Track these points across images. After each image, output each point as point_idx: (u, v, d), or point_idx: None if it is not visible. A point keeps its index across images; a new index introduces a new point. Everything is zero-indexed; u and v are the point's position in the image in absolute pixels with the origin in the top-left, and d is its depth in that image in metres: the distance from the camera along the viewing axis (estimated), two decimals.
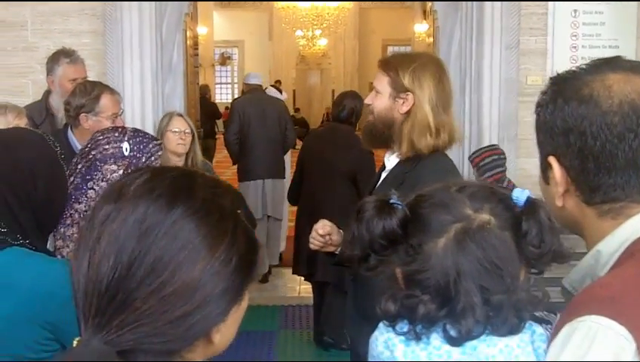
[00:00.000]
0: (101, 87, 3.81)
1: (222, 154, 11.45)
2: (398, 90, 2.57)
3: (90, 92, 3.70)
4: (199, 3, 7.87)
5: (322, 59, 24.52)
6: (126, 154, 2.16)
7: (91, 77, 5.66)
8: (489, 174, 4.91)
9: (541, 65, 6.22)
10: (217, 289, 1.04)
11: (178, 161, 4.29)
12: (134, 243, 1.01)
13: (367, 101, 2.72)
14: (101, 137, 2.20)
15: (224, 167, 12.39)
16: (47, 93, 4.49)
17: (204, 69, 21.78)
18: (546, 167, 1.37)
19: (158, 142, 2.30)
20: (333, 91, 24.56)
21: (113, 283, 1.00)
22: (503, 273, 1.23)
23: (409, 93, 2.55)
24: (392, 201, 1.33)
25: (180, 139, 4.28)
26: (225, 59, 24.72)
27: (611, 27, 6.20)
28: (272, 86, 9.90)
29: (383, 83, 2.62)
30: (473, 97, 6.06)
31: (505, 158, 5.15)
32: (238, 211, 1.12)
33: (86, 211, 2.06)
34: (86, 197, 2.09)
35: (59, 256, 2.08)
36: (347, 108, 5.58)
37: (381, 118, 2.62)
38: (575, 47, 6.23)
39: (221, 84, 25.38)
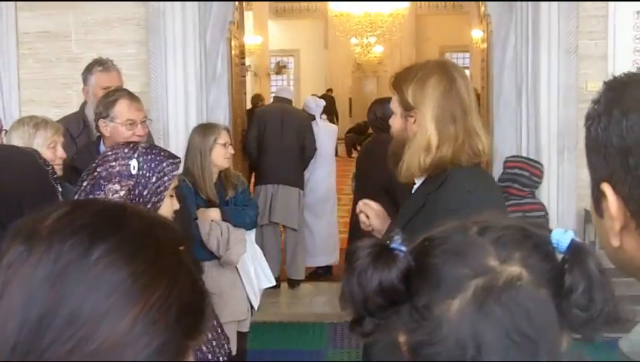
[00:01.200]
0: (122, 92, 3.67)
1: None
2: (406, 108, 2.35)
3: (108, 97, 3.58)
4: (254, 13, 7.80)
5: (378, 67, 24.25)
6: (133, 172, 1.98)
7: (135, 87, 5.58)
8: (501, 185, 4.59)
9: (602, 70, 5.91)
10: (153, 345, 0.82)
11: (214, 174, 4.17)
12: (47, 290, 0.82)
13: (390, 122, 2.52)
14: (110, 153, 2.04)
15: None
16: (84, 104, 4.41)
17: (259, 78, 21.77)
18: (598, 196, 1.08)
19: (176, 160, 2.11)
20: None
21: (22, 340, 0.81)
22: (538, 347, 0.91)
23: (416, 110, 2.32)
24: (392, 246, 1.00)
25: (227, 153, 4.18)
26: (280, 68, 24.67)
27: None
28: (313, 96, 9.82)
29: (395, 103, 2.42)
30: (530, 105, 5.78)
31: (537, 181, 4.58)
32: (180, 248, 0.91)
33: None
34: None
35: None
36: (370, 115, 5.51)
37: (399, 140, 2.42)
38: (638, 50, 5.90)
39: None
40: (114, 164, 1.97)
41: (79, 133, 4.26)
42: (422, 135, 2.29)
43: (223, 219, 4.08)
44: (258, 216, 4.46)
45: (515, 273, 0.92)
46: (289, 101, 7.75)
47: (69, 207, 0.90)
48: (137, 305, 0.81)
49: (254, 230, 4.41)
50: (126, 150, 2.02)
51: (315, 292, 7.12)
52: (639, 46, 5.90)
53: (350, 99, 24.03)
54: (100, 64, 4.33)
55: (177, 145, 5.65)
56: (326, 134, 7.42)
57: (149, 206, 1.97)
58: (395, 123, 2.42)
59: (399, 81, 2.39)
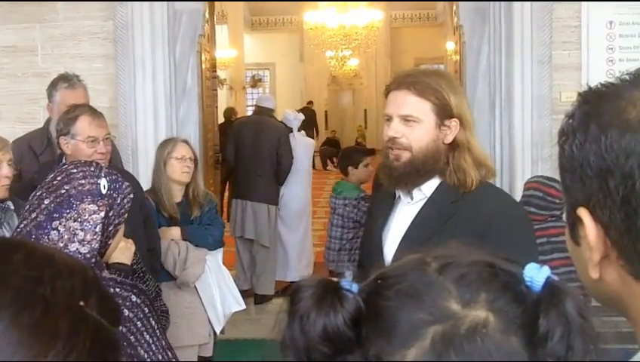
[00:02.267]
0: (83, 109, 3.54)
1: None
2: (444, 116, 2.17)
3: (69, 113, 3.46)
4: (229, 26, 7.70)
5: (354, 80, 24.26)
6: (104, 192, 1.87)
7: (103, 102, 5.48)
8: None
9: (576, 80, 5.88)
10: None
11: (179, 190, 4.03)
12: None
13: (394, 134, 2.23)
14: (75, 170, 1.91)
15: None
16: (49, 120, 4.28)
17: (235, 91, 21.67)
18: (575, 222, 0.95)
19: (128, 184, 2.01)
20: (365, 111, 24.32)
21: None
22: None
23: (454, 119, 2.18)
24: (342, 285, 0.84)
25: (185, 167, 4.01)
26: (256, 82, 24.58)
27: None
28: (296, 110, 9.72)
29: (423, 109, 2.18)
30: (504, 116, 5.73)
31: (554, 201, 4.09)
32: (81, 303, 0.78)
33: None
34: (48, 238, 1.76)
35: None
36: None
37: (427, 151, 2.20)
38: (612, 60, 5.88)
39: (252, 106, 25.19)
40: (83, 182, 1.85)
41: (43, 150, 4.14)
42: (476, 143, 2.20)
43: (183, 238, 3.96)
44: (226, 234, 4.33)
45: (480, 318, 0.77)
46: (270, 111, 7.58)
47: None
48: None
49: (220, 251, 4.24)
50: (92, 168, 1.91)
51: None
52: (612, 56, 5.87)
53: (326, 112, 24.01)
54: (66, 80, 4.20)
55: (147, 160, 5.52)
56: (302, 148, 7.28)
57: (110, 228, 1.86)
58: (424, 132, 2.19)
59: (430, 86, 2.18)
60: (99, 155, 3.35)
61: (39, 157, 4.08)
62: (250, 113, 24.22)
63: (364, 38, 19.58)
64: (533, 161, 5.73)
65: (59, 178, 1.84)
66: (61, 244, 1.73)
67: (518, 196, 5.42)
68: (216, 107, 7.22)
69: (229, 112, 12.63)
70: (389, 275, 0.84)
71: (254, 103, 8.31)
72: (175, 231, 3.97)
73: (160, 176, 4.02)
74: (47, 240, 1.74)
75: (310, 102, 22.14)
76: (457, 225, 2.15)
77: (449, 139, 2.19)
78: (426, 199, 2.27)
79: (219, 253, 4.16)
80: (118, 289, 1.74)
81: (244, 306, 4.40)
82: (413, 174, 2.25)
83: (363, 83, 24.51)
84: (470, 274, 0.81)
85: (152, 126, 5.50)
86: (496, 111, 5.72)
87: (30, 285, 0.75)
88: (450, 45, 18.55)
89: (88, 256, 1.74)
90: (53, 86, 4.22)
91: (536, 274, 0.81)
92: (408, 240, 2.25)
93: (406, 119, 2.20)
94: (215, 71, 6.77)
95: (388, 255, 2.31)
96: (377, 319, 0.80)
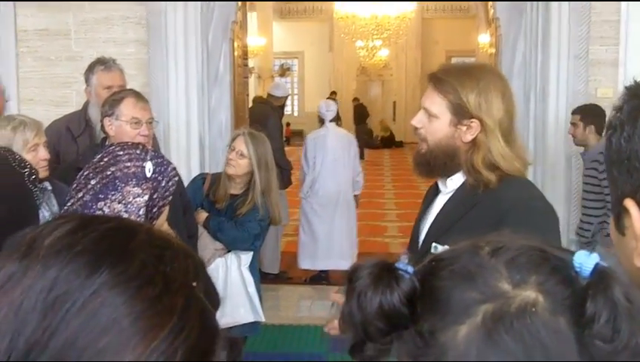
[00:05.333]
0: (128, 92, 3.60)
1: None
2: (462, 116, 2.19)
3: (115, 95, 3.50)
4: (258, 14, 7.70)
5: (383, 71, 24.18)
6: (148, 175, 1.88)
7: (134, 87, 5.44)
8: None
9: (612, 76, 5.80)
10: None
11: (232, 187, 4.02)
12: (38, 319, 0.72)
13: (416, 124, 2.31)
14: (121, 152, 1.92)
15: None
16: (87, 104, 4.33)
17: (262, 80, 21.69)
18: (620, 213, 0.99)
19: (174, 166, 2.02)
20: (394, 103, 24.25)
21: None
22: None
23: (474, 119, 2.18)
24: (398, 266, 0.89)
25: (230, 159, 4.00)
26: (284, 71, 24.59)
27: None
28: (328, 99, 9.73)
29: (440, 106, 2.23)
30: (538, 111, 5.67)
31: None
32: (194, 284, 0.81)
33: None
34: None
35: None
36: None
37: (441, 147, 2.25)
38: None
39: None
40: (129, 164, 1.85)
41: (81, 132, 4.20)
42: (495, 147, 2.18)
43: (204, 226, 3.93)
44: (256, 240, 4.06)
45: (530, 298, 0.80)
46: (277, 99, 7.74)
47: (74, 223, 0.80)
48: (136, 349, 0.72)
49: (249, 255, 4.05)
50: (137, 151, 1.92)
51: (315, 296, 7.04)
52: None
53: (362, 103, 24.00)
54: (102, 63, 4.25)
55: (179, 146, 5.55)
56: (333, 138, 7.25)
57: (154, 210, 1.88)
58: (439, 128, 2.24)
59: (453, 84, 2.21)
60: (142, 138, 3.37)
61: (77, 139, 4.15)
62: None
63: (396, 28, 19.50)
64: (566, 157, 5.66)
65: (105, 159, 1.85)
66: None
67: (551, 192, 5.36)
68: (247, 95, 7.20)
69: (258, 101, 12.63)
70: (443, 257, 0.89)
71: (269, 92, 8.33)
72: (201, 215, 3.96)
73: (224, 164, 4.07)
74: None
75: (333, 93, 22.09)
76: (477, 215, 2.18)
77: (468, 138, 2.21)
78: (456, 188, 2.31)
79: (246, 256, 4.02)
80: None
81: (262, 318, 4.21)
82: (427, 166, 2.33)
83: (392, 74, 24.43)
84: (521, 257, 0.85)
85: (184, 112, 5.51)
86: (531, 105, 5.66)
87: (153, 262, 0.78)
88: (483, 38, 18.42)
89: None
90: (90, 70, 4.27)
91: (585, 260, 0.83)
92: (435, 227, 2.33)
93: (428, 112, 2.27)
94: (247, 59, 6.76)
95: (421, 241, 2.38)
96: (431, 297, 0.85)
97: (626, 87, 1.04)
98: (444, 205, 2.32)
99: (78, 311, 0.72)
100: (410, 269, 0.89)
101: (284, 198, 7.24)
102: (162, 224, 1.99)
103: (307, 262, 7.34)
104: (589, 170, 5.03)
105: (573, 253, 0.86)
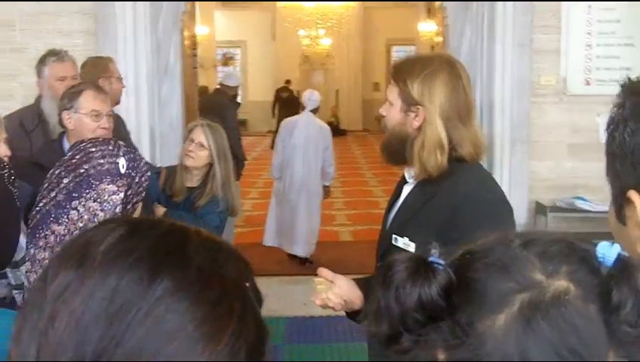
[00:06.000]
0: (87, 85, 3.54)
1: None
2: (409, 102, 2.26)
3: (73, 88, 3.45)
4: (200, 3, 7.63)
5: (326, 59, 24.23)
6: (122, 171, 1.84)
7: None
8: None
9: (555, 63, 5.96)
10: None
11: (193, 175, 3.98)
12: (103, 328, 0.73)
13: (382, 112, 2.39)
14: (93, 149, 1.87)
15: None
16: (39, 97, 4.24)
17: (205, 70, 21.50)
18: (622, 203, 1.07)
19: (146, 160, 2.00)
20: (337, 91, 24.33)
21: None
22: None
23: (419, 106, 2.24)
24: (431, 260, 0.95)
25: (188, 150, 3.94)
26: (227, 60, 24.42)
27: (627, 24, 5.93)
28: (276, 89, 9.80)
29: (393, 94, 2.31)
30: (484, 98, 5.79)
31: None
32: (247, 285, 0.83)
33: (64, 236, 1.73)
34: (67, 218, 1.74)
35: (26, 283, 1.80)
36: None
37: (395, 133, 2.32)
38: (590, 45, 5.96)
39: None
40: (102, 161, 1.81)
41: (34, 127, 4.08)
42: (432, 133, 2.22)
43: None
44: (217, 232, 4.00)
45: (562, 287, 0.87)
46: (231, 88, 7.76)
47: (124, 229, 0.80)
48: (202, 354, 0.74)
49: None
50: (110, 147, 1.88)
51: (270, 287, 7.06)
52: (591, 41, 5.95)
53: (298, 92, 23.97)
54: (54, 54, 4.18)
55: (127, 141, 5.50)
56: (304, 127, 7.41)
57: (128, 207, 1.86)
58: (393, 115, 2.31)
59: (402, 74, 2.29)
60: (102, 130, 3.33)
61: (30, 134, 4.03)
62: None
63: (339, 18, 19.55)
64: (512, 143, 5.81)
65: (77, 157, 1.81)
66: (81, 224, 1.71)
67: (497, 177, 5.49)
68: (197, 85, 7.18)
69: (201, 91, 12.55)
70: (476, 250, 0.93)
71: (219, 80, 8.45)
72: (159, 210, 3.93)
73: (180, 156, 4.01)
74: (66, 220, 1.73)
75: (288, 82, 22.04)
76: (434, 207, 2.22)
77: (415, 125, 2.26)
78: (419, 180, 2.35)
79: None
80: None
81: None
82: (387, 152, 2.40)
83: (335, 63, 24.49)
84: (551, 248, 0.90)
85: (134, 105, 5.46)
86: (477, 93, 5.76)
87: (209, 265, 0.79)
88: (422, 27, 18.59)
89: None
90: (41, 62, 4.19)
91: (607, 251, 0.89)
92: (396, 218, 2.37)
93: (388, 101, 2.35)
94: (196, 49, 6.73)
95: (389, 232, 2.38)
96: (467, 289, 0.90)
97: (621, 85, 1.11)
98: (406, 196, 2.36)
99: (143, 319, 0.73)
100: (442, 262, 0.94)
101: (238, 189, 7.27)
102: None
103: (270, 240, 7.60)
104: None
105: (595, 244, 0.91)
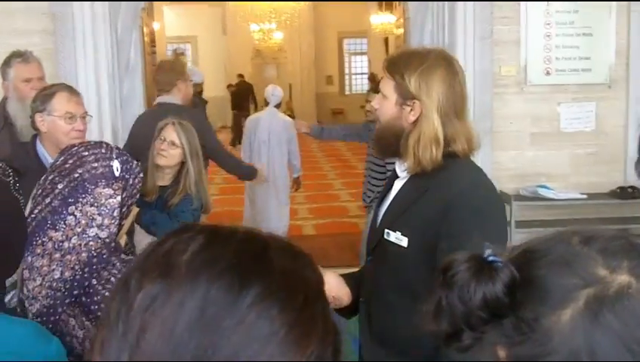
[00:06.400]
0: (60, 86, 3.47)
1: None
2: (405, 96, 2.25)
3: (46, 90, 3.38)
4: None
5: (278, 54, 24.15)
6: (117, 174, 1.81)
7: None
8: None
9: (515, 55, 6.03)
10: None
11: (165, 173, 3.91)
12: (197, 337, 0.73)
13: (374, 105, 2.40)
14: (86, 153, 1.83)
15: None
16: (5, 99, 4.15)
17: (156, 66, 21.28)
18: None
19: (138, 163, 1.97)
20: (290, 85, 24.28)
21: None
22: None
23: (416, 100, 2.23)
24: (490, 259, 0.96)
25: (161, 149, 3.87)
26: (178, 56, 24.11)
27: (585, 15, 6.03)
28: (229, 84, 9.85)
29: (389, 87, 2.30)
30: None
31: None
32: (324, 288, 0.84)
33: (62, 242, 1.70)
34: (64, 224, 1.70)
35: (23, 291, 1.75)
36: None
37: (389, 127, 2.31)
38: (549, 35, 6.04)
39: None
40: (96, 165, 1.78)
41: (0, 129, 4.01)
42: (429, 128, 2.21)
43: (136, 221, 3.84)
44: None
45: (625, 281, 0.89)
46: (197, 85, 7.74)
47: (203, 237, 0.80)
48: (296, 356, 0.75)
49: None
50: (102, 150, 1.84)
51: None
52: (550, 31, 6.03)
53: (250, 86, 23.87)
54: (19, 55, 4.11)
55: (91, 138, 5.39)
56: (269, 122, 7.56)
57: (123, 210, 1.83)
58: (387, 108, 2.30)
59: (398, 67, 2.27)
60: (76, 133, 3.27)
61: None
62: None
63: (291, 12, 19.52)
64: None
65: (70, 161, 1.77)
66: (79, 229, 1.68)
67: None
68: None
69: None
70: (536, 249, 0.96)
71: None
72: (132, 211, 3.86)
73: (150, 155, 3.93)
74: (63, 226, 1.69)
75: (240, 76, 21.91)
76: (427, 202, 2.22)
77: (411, 119, 2.25)
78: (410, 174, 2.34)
79: None
80: None
81: None
82: (379, 145, 2.42)
83: (287, 57, 24.43)
84: (611, 245, 0.93)
85: (95, 104, 5.36)
86: None
87: (291, 270, 0.80)
88: (374, 19, 18.62)
89: (107, 240, 1.70)
90: (6, 64, 4.10)
91: None
92: (388, 213, 2.36)
93: (382, 94, 2.34)
94: (154, 45, 6.64)
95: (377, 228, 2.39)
96: (531, 286, 0.92)
97: None
98: (399, 191, 2.36)
99: (236, 326, 0.73)
100: (500, 260, 0.95)
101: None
102: (130, 222, 1.95)
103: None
104: None
105: None
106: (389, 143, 2.32)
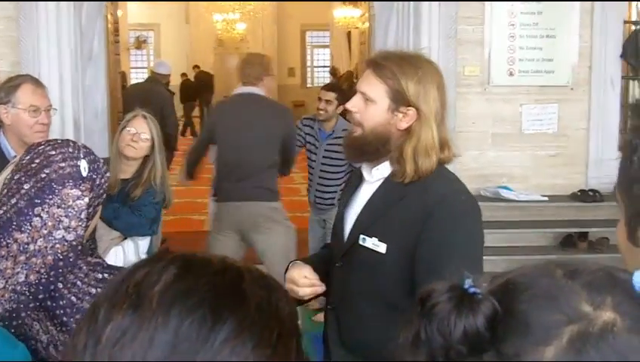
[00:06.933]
0: (25, 77, 3.41)
1: None
2: (400, 102, 2.19)
3: (10, 82, 3.32)
4: None
5: (241, 44, 23.98)
6: (84, 174, 1.76)
7: (4, 66, 5.24)
8: None
9: (478, 55, 6.07)
10: None
11: (128, 166, 3.85)
12: None
13: (351, 108, 2.30)
14: (53, 152, 1.77)
15: None
16: None
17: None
18: (635, 226, 1.08)
19: (104, 162, 1.92)
20: None
21: None
22: None
23: (411, 107, 2.19)
24: (472, 291, 0.92)
25: (131, 140, 3.82)
26: (140, 43, 23.90)
27: (548, 17, 6.08)
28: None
29: (378, 91, 2.22)
30: None
31: None
32: (299, 322, 0.82)
33: (27, 244, 1.65)
34: (30, 225, 1.65)
35: None
36: None
37: (376, 132, 2.23)
38: (513, 36, 6.09)
39: (137, 68, 24.54)
40: (63, 165, 1.72)
41: None
42: (427, 135, 2.18)
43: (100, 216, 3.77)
44: (153, 224, 3.94)
45: (610, 318, 0.86)
46: (163, 76, 7.94)
47: (177, 267, 0.77)
48: None
49: (146, 239, 3.90)
50: (70, 149, 1.78)
51: None
52: (513, 32, 6.08)
53: (212, 76, 23.70)
54: None
55: (52, 128, 5.29)
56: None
57: (90, 210, 1.79)
58: (376, 114, 2.23)
59: (392, 72, 2.20)
60: (40, 126, 3.22)
61: None
62: (135, 76, 23.78)
63: (254, 2, 19.41)
64: None
65: (37, 161, 1.71)
66: (45, 231, 1.64)
67: None
68: (119, 72, 7.01)
69: (121, 77, 12.31)
70: (519, 281, 0.92)
71: (148, 67, 8.65)
72: (98, 212, 3.81)
73: (113, 147, 3.90)
74: (29, 227, 1.65)
75: (196, 67, 21.75)
76: (406, 208, 2.20)
77: (403, 125, 2.21)
78: (383, 179, 2.30)
79: (143, 242, 3.87)
80: (106, 275, 1.68)
81: None
82: (360, 151, 2.31)
83: (250, 47, 24.25)
84: (596, 279, 0.90)
85: (58, 93, 5.25)
86: None
87: (266, 303, 0.77)
88: (337, 13, 18.58)
89: (74, 243, 1.67)
90: None
91: None
92: (361, 219, 2.30)
93: (364, 97, 2.26)
94: (118, 34, 6.55)
95: (347, 231, 2.34)
96: (513, 320, 0.88)
97: (633, 106, 1.14)
98: (372, 196, 2.30)
99: None
100: (479, 291, 0.91)
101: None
102: (96, 223, 1.92)
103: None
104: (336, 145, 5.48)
105: (631, 274, 0.91)
106: (374, 149, 2.26)
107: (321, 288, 2.27)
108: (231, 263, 0.83)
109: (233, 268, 0.81)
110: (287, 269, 2.35)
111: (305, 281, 2.24)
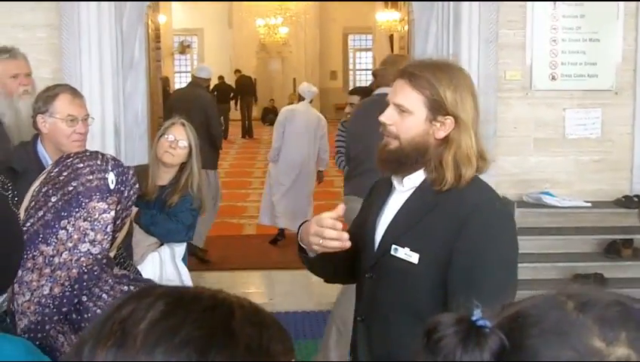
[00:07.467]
0: (64, 87, 3.47)
1: None
2: (438, 112, 2.16)
3: (49, 91, 3.36)
4: None
5: (283, 48, 24.10)
6: (112, 187, 1.76)
7: (46, 74, 5.30)
8: None
9: (520, 59, 5.98)
10: None
11: (165, 173, 3.90)
12: None
13: (386, 120, 2.25)
14: (81, 165, 1.77)
15: None
16: None
17: (162, 58, 21.25)
18: None
19: (133, 173, 1.92)
20: (294, 80, 24.23)
21: None
22: None
23: (449, 116, 2.16)
24: (479, 324, 0.88)
25: (169, 147, 3.87)
26: (184, 48, 24.16)
27: (591, 20, 5.97)
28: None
29: (415, 102, 2.18)
30: None
31: None
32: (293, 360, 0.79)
33: (53, 257, 1.65)
34: (56, 238, 1.66)
35: (13, 304, 1.73)
36: None
37: (414, 144, 2.20)
38: (555, 40, 5.99)
39: (180, 72, 24.81)
40: (91, 177, 1.73)
41: None
42: (466, 143, 2.15)
43: (136, 221, 3.81)
44: (190, 231, 3.97)
45: (623, 355, 0.82)
46: (204, 80, 8.13)
47: (164, 303, 0.75)
48: None
49: (182, 246, 3.98)
50: (98, 161, 1.79)
51: (239, 282, 7.05)
52: (556, 35, 5.98)
53: (255, 80, 23.84)
54: (6, 51, 4.04)
55: (93, 134, 5.36)
56: (300, 116, 8.14)
57: (117, 222, 1.79)
58: (414, 125, 2.20)
59: (428, 82, 2.17)
60: (77, 135, 3.26)
61: None
62: (178, 80, 24.01)
63: (296, 7, 19.48)
64: None
65: (65, 173, 1.72)
66: (70, 244, 1.65)
67: None
68: (160, 78, 7.08)
69: (164, 82, 12.45)
70: (529, 313, 0.87)
71: (191, 72, 8.97)
72: (133, 211, 3.84)
73: (152, 154, 3.97)
74: (55, 240, 1.66)
75: (237, 71, 21.91)
76: (439, 216, 2.17)
77: (441, 135, 2.18)
78: (415, 188, 2.27)
79: (180, 248, 3.92)
80: (132, 287, 1.68)
81: None
82: (397, 163, 2.27)
83: (292, 51, 24.39)
84: (608, 312, 0.85)
85: (99, 99, 5.33)
86: None
87: (256, 341, 0.75)
88: (380, 16, 18.56)
89: (99, 256, 1.67)
90: None
91: None
92: (393, 228, 2.27)
93: (400, 108, 2.22)
94: (159, 41, 6.61)
95: (377, 241, 2.31)
96: (521, 355, 0.84)
97: None
98: (404, 205, 2.27)
99: None
100: (488, 324, 0.88)
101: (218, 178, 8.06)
102: (124, 234, 1.92)
103: (266, 219, 8.44)
104: None
105: None
106: (413, 161, 2.23)
107: (348, 243, 2.18)
108: (222, 298, 0.80)
109: (224, 304, 0.78)
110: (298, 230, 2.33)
111: (331, 233, 2.15)
